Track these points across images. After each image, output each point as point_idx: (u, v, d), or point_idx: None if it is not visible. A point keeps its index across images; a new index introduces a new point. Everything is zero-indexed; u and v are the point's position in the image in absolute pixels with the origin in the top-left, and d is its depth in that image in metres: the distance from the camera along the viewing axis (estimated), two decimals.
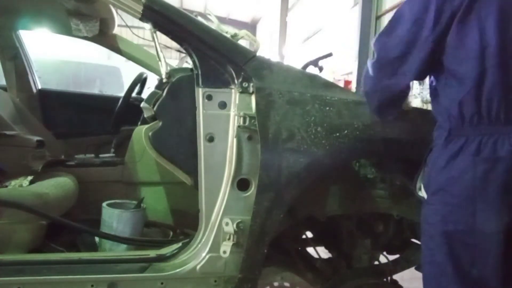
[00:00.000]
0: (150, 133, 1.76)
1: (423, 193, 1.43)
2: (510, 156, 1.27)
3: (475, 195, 1.28)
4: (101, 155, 2.55)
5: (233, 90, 1.72)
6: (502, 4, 1.30)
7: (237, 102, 1.71)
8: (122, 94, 2.96)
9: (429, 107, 2.33)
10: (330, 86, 1.83)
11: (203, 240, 1.75)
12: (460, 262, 1.33)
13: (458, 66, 1.34)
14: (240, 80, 1.71)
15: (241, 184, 1.71)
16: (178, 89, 1.76)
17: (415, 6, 1.37)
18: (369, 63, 1.53)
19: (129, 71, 5.37)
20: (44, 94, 3.19)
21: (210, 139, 1.72)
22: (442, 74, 1.40)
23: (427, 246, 1.41)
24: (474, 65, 1.31)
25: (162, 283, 1.73)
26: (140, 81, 2.92)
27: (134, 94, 2.91)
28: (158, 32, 1.75)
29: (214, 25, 1.87)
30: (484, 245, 1.30)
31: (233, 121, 1.71)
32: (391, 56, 1.43)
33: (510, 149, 1.27)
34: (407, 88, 1.51)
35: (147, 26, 1.75)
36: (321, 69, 2.29)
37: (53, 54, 6.75)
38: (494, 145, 1.28)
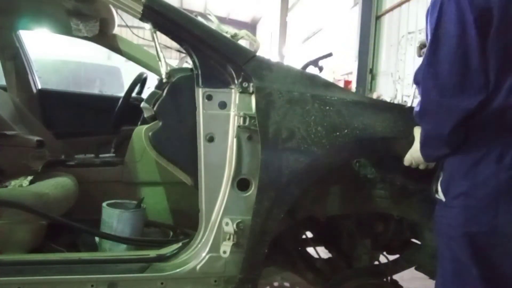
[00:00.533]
0: (150, 133, 1.76)
1: (440, 196, 1.48)
2: None
3: (498, 199, 1.35)
4: (101, 155, 2.55)
5: (233, 90, 1.73)
6: None
7: (237, 102, 1.71)
8: (122, 94, 2.96)
9: None
10: (330, 86, 1.83)
11: (203, 240, 1.75)
12: (484, 262, 1.39)
13: None
14: (240, 80, 1.71)
15: (241, 184, 1.71)
16: (178, 89, 1.76)
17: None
18: None
19: (129, 71, 5.36)
20: (44, 94, 3.19)
21: (210, 139, 1.72)
22: None
23: (448, 246, 1.45)
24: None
25: (162, 283, 1.73)
26: (140, 81, 2.92)
27: (134, 94, 2.91)
28: (158, 32, 1.75)
29: (214, 25, 1.87)
30: (506, 245, 1.37)
31: (233, 121, 1.71)
32: None
33: None
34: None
35: (147, 26, 1.75)
36: (321, 69, 2.29)
37: (53, 54, 6.74)
38: None
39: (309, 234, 2.28)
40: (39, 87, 3.22)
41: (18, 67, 3.05)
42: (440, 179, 1.49)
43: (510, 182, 1.34)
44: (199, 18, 1.85)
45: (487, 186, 1.36)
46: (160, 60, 1.84)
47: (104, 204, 2.01)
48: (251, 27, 20.35)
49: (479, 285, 1.39)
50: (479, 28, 1.29)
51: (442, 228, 1.48)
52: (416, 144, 1.55)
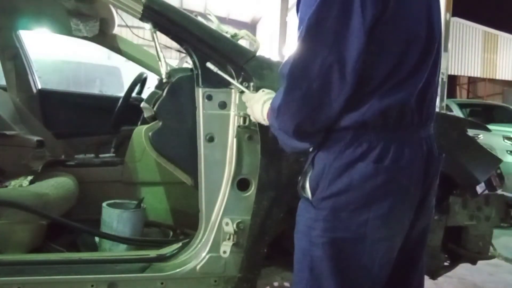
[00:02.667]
0: (150, 133, 1.76)
1: (307, 194, 1.30)
2: (410, 165, 1.21)
3: (371, 203, 1.21)
4: (101, 155, 2.55)
5: (233, 90, 1.73)
6: None
7: (237, 102, 1.71)
8: (122, 94, 2.96)
9: None
10: None
11: (203, 240, 1.75)
12: (343, 269, 1.25)
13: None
14: (240, 80, 1.71)
15: (241, 184, 1.71)
16: (178, 89, 1.76)
17: None
18: None
19: (129, 71, 5.36)
20: (44, 94, 3.19)
21: (210, 139, 1.72)
22: None
23: (307, 253, 1.29)
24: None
25: (162, 283, 1.73)
26: (140, 81, 2.92)
27: (134, 94, 2.91)
28: (158, 32, 1.75)
29: (214, 25, 1.87)
30: (372, 253, 1.24)
31: (233, 121, 1.71)
32: None
33: (409, 157, 1.21)
34: None
35: (147, 26, 1.75)
36: None
37: (53, 54, 6.74)
38: (395, 153, 1.20)
39: None
40: (39, 87, 3.22)
41: (18, 67, 3.04)
42: (309, 174, 1.30)
43: (386, 185, 1.19)
44: (199, 18, 1.85)
45: (363, 188, 1.20)
46: (160, 60, 1.84)
47: (104, 204, 2.01)
48: (251, 27, 20.33)
49: None
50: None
51: (304, 231, 1.31)
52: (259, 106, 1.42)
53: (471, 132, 2.11)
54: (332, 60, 1.13)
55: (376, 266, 1.26)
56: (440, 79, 1.52)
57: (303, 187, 1.31)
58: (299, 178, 1.34)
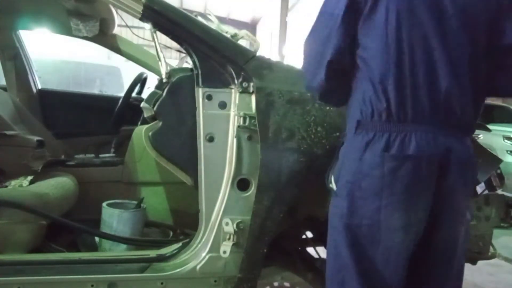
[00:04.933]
0: (150, 133, 1.76)
1: (333, 185, 1.42)
2: (417, 155, 1.27)
3: (381, 191, 1.29)
4: (101, 155, 2.55)
5: (233, 90, 1.73)
6: None
7: (237, 102, 1.71)
8: (122, 94, 2.96)
9: None
10: None
11: (203, 240, 1.75)
12: (362, 257, 1.33)
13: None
14: (240, 80, 1.71)
15: (241, 184, 1.71)
16: (178, 89, 1.76)
17: None
18: None
19: (129, 71, 5.36)
20: (44, 94, 3.19)
21: (210, 139, 1.72)
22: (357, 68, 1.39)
23: (332, 237, 1.41)
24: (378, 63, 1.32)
25: (162, 283, 1.73)
26: (140, 81, 2.92)
27: (134, 94, 2.91)
28: (158, 32, 1.75)
29: (214, 25, 1.87)
30: (387, 242, 1.31)
31: (233, 121, 1.71)
32: None
33: (417, 148, 1.27)
34: None
35: (147, 26, 1.75)
36: None
37: (53, 54, 6.74)
38: (402, 143, 1.28)
39: (309, 234, 2.28)
40: (39, 87, 3.22)
41: (18, 67, 3.04)
42: (334, 166, 1.44)
43: (393, 173, 1.27)
44: (199, 18, 1.85)
45: (372, 176, 1.29)
46: (160, 60, 1.84)
47: (104, 204, 2.01)
48: (251, 27, 20.34)
49: (357, 284, 1.33)
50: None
51: (331, 219, 1.42)
52: None
53: None
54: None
55: (393, 256, 1.31)
56: None
57: (328, 178, 1.45)
58: (327, 171, 1.48)
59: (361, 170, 1.32)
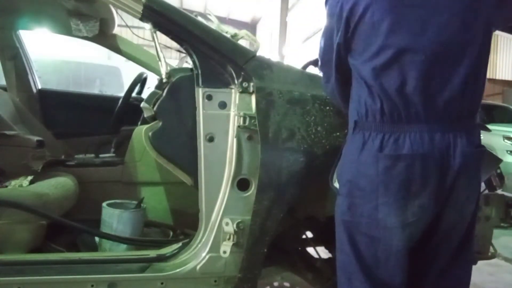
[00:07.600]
0: (150, 133, 1.76)
1: (336, 184, 1.46)
2: (410, 154, 1.29)
3: (377, 190, 1.32)
4: (101, 155, 2.55)
5: (233, 90, 1.73)
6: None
7: (237, 102, 1.71)
8: (122, 94, 2.96)
9: None
10: None
11: (203, 240, 1.75)
12: (363, 254, 1.37)
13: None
14: (240, 80, 1.71)
15: (241, 184, 1.71)
16: (178, 89, 1.76)
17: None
18: None
19: (129, 71, 5.36)
20: (44, 94, 3.19)
21: (210, 139, 1.72)
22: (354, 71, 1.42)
23: (337, 234, 1.44)
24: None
25: (162, 283, 1.73)
26: (140, 81, 2.92)
27: (134, 94, 2.91)
28: (158, 32, 1.75)
29: (214, 25, 1.87)
30: (386, 239, 1.33)
31: (233, 121, 1.71)
32: None
33: (411, 148, 1.29)
34: None
35: (147, 26, 1.75)
36: None
37: (53, 54, 6.74)
38: (395, 143, 1.30)
39: (309, 234, 2.28)
40: (39, 87, 3.22)
41: (18, 67, 3.04)
42: (337, 165, 1.48)
43: (388, 172, 1.30)
44: (199, 18, 1.85)
45: (369, 176, 1.33)
46: (160, 60, 1.84)
47: (104, 204, 2.01)
48: (251, 27, 20.35)
49: (362, 280, 1.37)
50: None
51: (335, 217, 1.46)
52: None
53: None
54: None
55: (393, 253, 1.34)
56: None
57: (332, 177, 1.49)
58: (331, 171, 1.52)
59: (358, 170, 1.35)
